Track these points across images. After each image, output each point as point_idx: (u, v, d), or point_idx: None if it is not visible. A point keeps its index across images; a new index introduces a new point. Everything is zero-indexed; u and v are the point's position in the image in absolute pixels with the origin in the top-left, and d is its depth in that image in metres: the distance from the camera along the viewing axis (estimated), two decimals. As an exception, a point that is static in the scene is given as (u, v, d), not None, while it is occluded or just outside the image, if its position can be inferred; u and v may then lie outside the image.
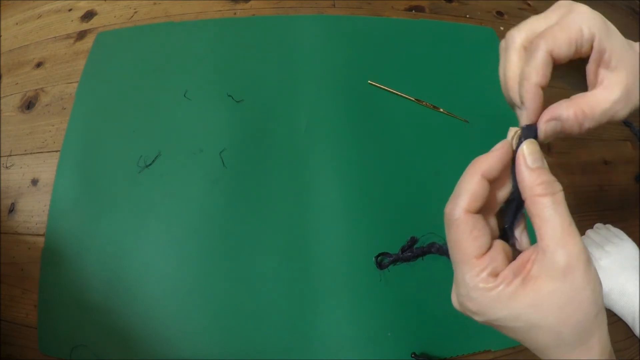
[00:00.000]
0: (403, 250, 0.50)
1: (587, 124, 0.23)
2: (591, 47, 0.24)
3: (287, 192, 0.53)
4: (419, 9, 0.71)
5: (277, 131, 0.57)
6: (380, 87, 0.61)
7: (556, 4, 0.26)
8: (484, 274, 0.21)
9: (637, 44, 0.26)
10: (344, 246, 0.51)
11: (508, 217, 0.25)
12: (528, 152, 0.23)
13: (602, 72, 0.24)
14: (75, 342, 0.45)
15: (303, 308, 0.48)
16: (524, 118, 0.25)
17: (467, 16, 0.72)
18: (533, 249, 0.22)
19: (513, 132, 0.25)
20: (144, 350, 0.45)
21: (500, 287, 0.21)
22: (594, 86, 0.25)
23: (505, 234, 0.25)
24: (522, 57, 0.26)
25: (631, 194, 0.61)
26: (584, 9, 0.24)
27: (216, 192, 0.53)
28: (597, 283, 0.21)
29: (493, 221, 0.25)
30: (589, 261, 0.21)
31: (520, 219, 0.25)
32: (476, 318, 0.23)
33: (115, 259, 0.49)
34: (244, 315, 0.47)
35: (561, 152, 0.61)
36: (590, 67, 0.25)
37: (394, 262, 0.50)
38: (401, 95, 0.61)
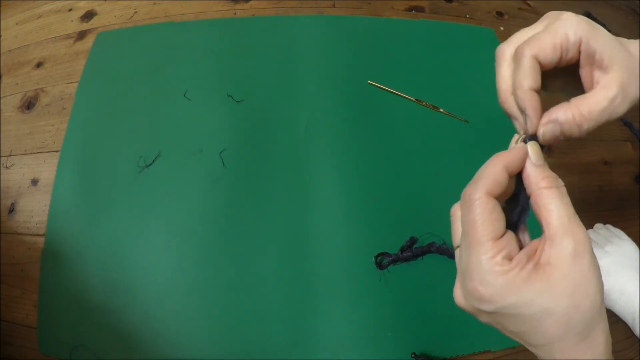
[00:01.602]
0: (402, 250, 0.50)
1: (586, 126, 0.24)
2: (579, 52, 0.24)
3: (287, 192, 0.53)
4: (419, 9, 0.71)
5: (277, 131, 0.57)
6: (380, 87, 0.61)
7: (544, 15, 0.26)
8: (500, 257, 0.22)
9: (633, 41, 0.26)
10: (344, 246, 0.51)
11: (513, 215, 0.25)
12: (532, 151, 0.24)
13: (597, 74, 0.25)
14: (75, 342, 0.45)
15: (303, 308, 0.48)
16: (529, 124, 0.25)
17: (467, 16, 0.72)
18: (539, 240, 0.23)
19: (516, 137, 0.26)
20: (144, 350, 0.45)
21: (515, 270, 0.21)
22: (591, 89, 0.25)
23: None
24: (512, 69, 0.26)
25: (631, 194, 0.60)
26: (569, 15, 0.25)
27: (216, 192, 0.53)
28: (599, 273, 0.21)
29: None
30: (592, 250, 0.21)
31: (523, 219, 0.25)
32: (485, 307, 0.22)
33: (115, 259, 0.49)
34: (243, 315, 0.47)
35: (561, 152, 0.62)
36: (584, 72, 0.25)
37: (393, 262, 0.50)
38: (401, 95, 0.61)
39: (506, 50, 0.27)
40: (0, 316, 0.48)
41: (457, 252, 0.26)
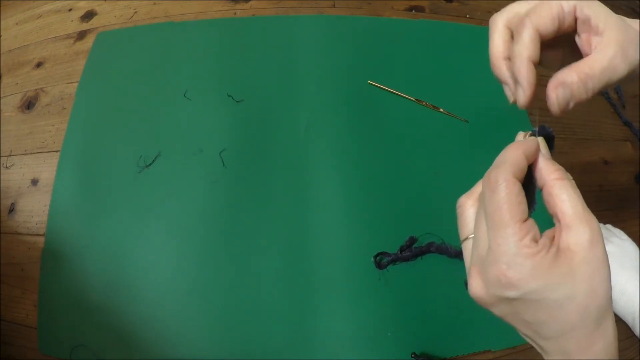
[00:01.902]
0: (402, 249, 0.50)
1: (591, 84, 0.25)
2: (574, 20, 0.26)
3: (287, 192, 0.53)
4: (419, 9, 0.71)
5: (277, 131, 0.57)
6: (380, 87, 0.61)
7: None
8: (528, 239, 0.22)
9: (632, 20, 0.27)
10: (344, 246, 0.51)
11: None
12: (542, 145, 0.25)
13: (594, 40, 0.26)
14: (75, 342, 0.45)
15: (303, 308, 0.48)
16: (520, 93, 0.26)
17: (467, 16, 0.72)
18: (552, 230, 0.23)
19: (522, 135, 0.27)
20: (144, 350, 0.45)
21: (543, 253, 0.21)
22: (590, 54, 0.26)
23: None
24: (504, 36, 0.28)
25: (631, 194, 0.60)
26: None
27: (216, 192, 0.53)
28: (609, 261, 0.22)
29: None
30: (603, 239, 0.22)
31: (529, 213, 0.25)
32: (510, 293, 0.22)
33: (115, 259, 0.49)
34: (243, 315, 0.47)
35: (561, 152, 0.61)
36: (582, 39, 0.26)
37: (393, 261, 0.50)
38: (401, 95, 0.61)
39: (499, 20, 0.28)
40: (0, 316, 0.48)
41: (466, 244, 0.26)
